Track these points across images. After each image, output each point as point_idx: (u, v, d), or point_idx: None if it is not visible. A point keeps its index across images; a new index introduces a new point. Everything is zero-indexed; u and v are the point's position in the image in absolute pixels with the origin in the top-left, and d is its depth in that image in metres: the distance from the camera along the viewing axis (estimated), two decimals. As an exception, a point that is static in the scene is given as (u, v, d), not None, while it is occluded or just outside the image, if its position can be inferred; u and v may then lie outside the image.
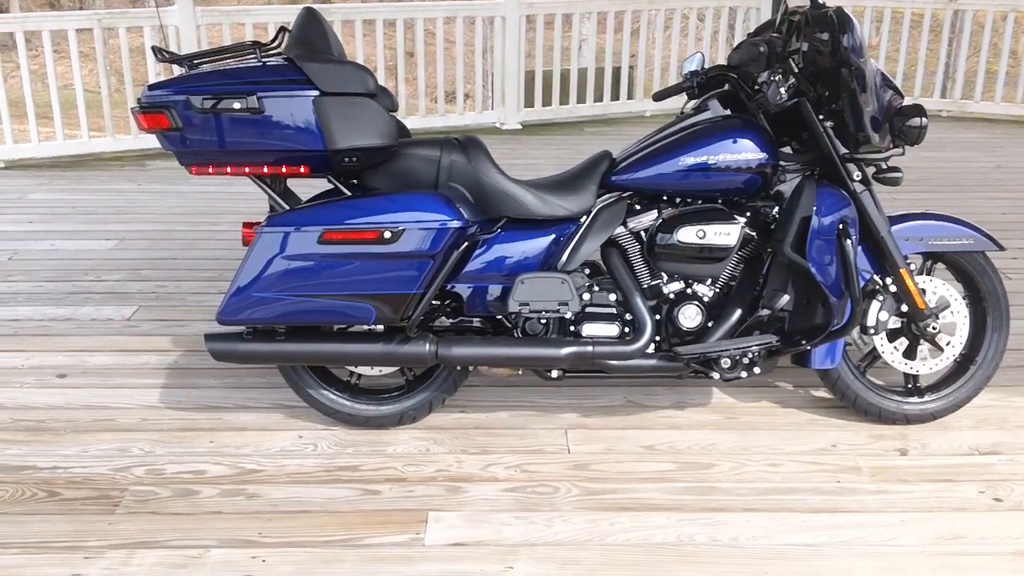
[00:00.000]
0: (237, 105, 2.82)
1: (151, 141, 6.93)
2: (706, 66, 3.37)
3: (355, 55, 7.42)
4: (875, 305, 3.19)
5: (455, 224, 2.91)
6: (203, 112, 2.83)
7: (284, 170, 2.95)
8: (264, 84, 2.86)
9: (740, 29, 8.37)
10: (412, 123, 7.72)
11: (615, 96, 8.43)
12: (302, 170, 2.95)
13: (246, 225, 3.06)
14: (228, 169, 2.95)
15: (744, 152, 3.05)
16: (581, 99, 8.34)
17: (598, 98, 8.40)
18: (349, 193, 3.05)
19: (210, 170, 2.96)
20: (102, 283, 4.64)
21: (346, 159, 2.91)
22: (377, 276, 2.91)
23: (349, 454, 3.15)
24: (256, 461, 3.11)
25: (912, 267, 3.22)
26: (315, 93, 2.85)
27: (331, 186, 3.10)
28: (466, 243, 2.99)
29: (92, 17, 6.83)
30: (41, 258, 5.00)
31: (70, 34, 6.84)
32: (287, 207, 3.04)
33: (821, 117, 3.06)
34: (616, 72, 8.39)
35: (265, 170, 2.96)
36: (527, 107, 8.20)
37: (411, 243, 2.89)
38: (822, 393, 3.54)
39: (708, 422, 3.39)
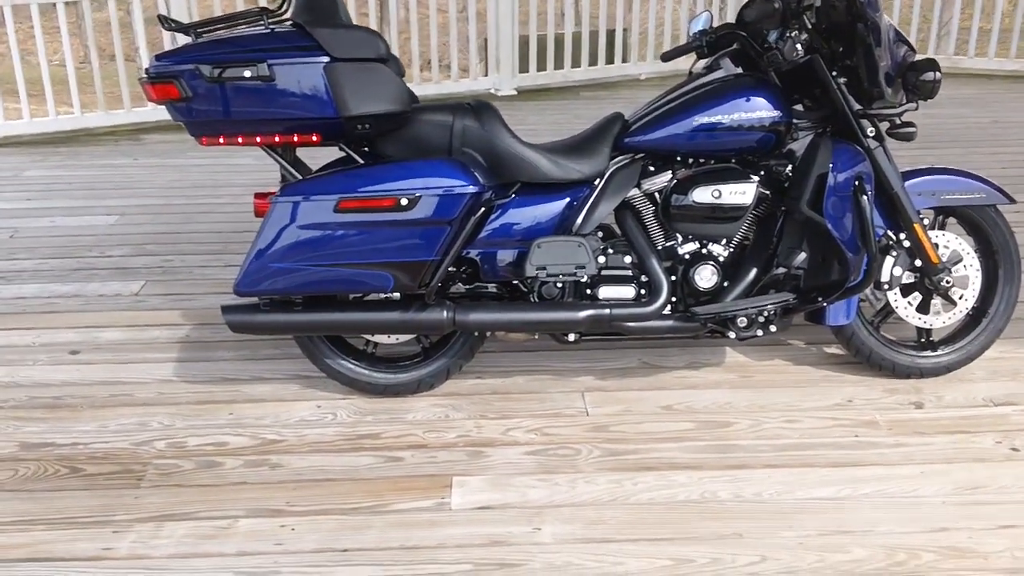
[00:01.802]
0: (247, 73, 2.79)
1: (144, 115, 6.95)
2: (714, 25, 3.35)
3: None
4: (889, 260, 3.20)
5: (471, 189, 2.89)
6: (213, 81, 2.80)
7: (296, 139, 2.93)
8: (274, 51, 2.83)
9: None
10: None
11: (610, 59, 8.40)
12: (314, 138, 2.93)
13: (258, 196, 3.04)
14: (239, 139, 2.93)
15: (757, 110, 3.04)
16: (576, 63, 8.31)
17: (593, 62, 8.36)
18: (362, 161, 3.03)
19: (220, 140, 2.94)
20: (107, 259, 4.62)
21: (359, 126, 2.89)
22: (394, 244, 2.90)
23: (369, 422, 3.16)
24: (277, 431, 3.11)
25: (925, 222, 3.22)
26: (326, 59, 2.82)
27: (342, 155, 3.07)
28: (482, 208, 2.98)
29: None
30: (43, 235, 4.97)
31: (59, 7, 6.75)
32: (299, 176, 3.02)
33: (834, 73, 3.04)
34: (610, 35, 8.35)
35: (276, 139, 2.93)
36: (522, 72, 8.16)
37: (427, 209, 2.88)
38: (835, 349, 3.56)
39: (724, 381, 3.40)
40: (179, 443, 3.05)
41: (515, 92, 8.04)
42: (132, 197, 5.53)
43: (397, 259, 2.91)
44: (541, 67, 8.24)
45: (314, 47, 2.83)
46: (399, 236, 2.90)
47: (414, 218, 2.88)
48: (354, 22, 3.23)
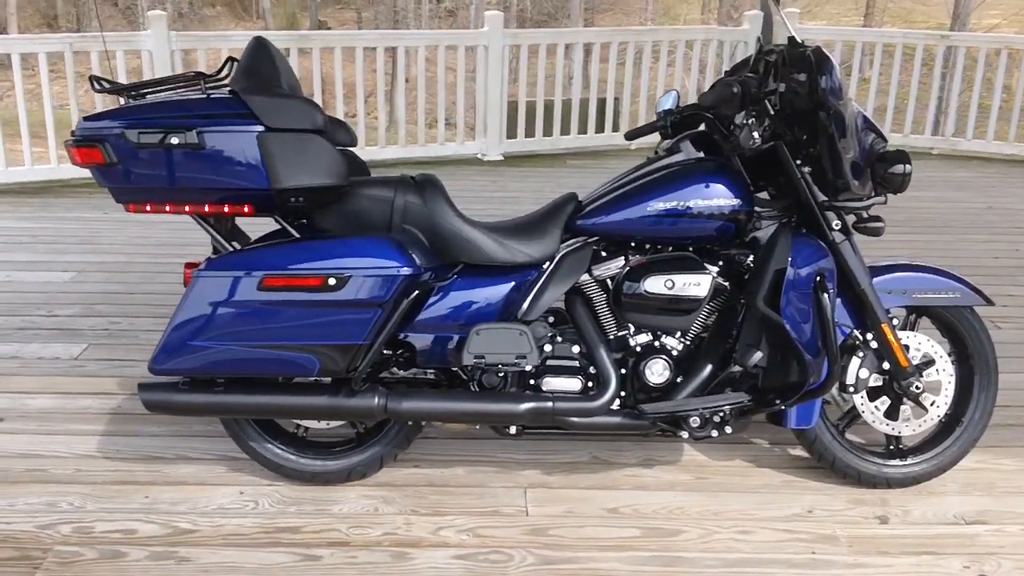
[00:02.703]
0: (175, 140, 2.64)
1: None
2: (681, 104, 3.20)
3: (335, 82, 7.27)
4: (855, 362, 3.01)
5: (405, 271, 2.72)
6: (139, 147, 2.64)
7: (226, 209, 2.77)
8: (205, 118, 2.68)
9: (727, 62, 8.24)
10: (392, 153, 7.61)
11: (600, 128, 8.28)
12: (245, 210, 2.77)
13: (188, 266, 2.87)
14: (167, 207, 2.77)
15: (716, 198, 2.88)
16: (565, 131, 8.19)
17: (582, 130, 8.25)
18: (296, 234, 2.86)
19: (148, 208, 2.78)
20: (53, 318, 4.45)
21: (292, 199, 2.73)
22: (321, 325, 2.72)
23: (292, 513, 2.95)
24: (192, 520, 2.90)
25: (895, 322, 3.04)
26: (259, 128, 2.67)
27: (279, 226, 2.91)
28: (418, 291, 2.80)
29: (63, 41, 6.66)
30: (-5, 290, 4.80)
31: (40, 57, 6.66)
32: (231, 248, 2.85)
33: (799, 162, 2.88)
34: (601, 104, 8.24)
35: (206, 208, 2.77)
36: (509, 138, 8.05)
37: (358, 290, 2.70)
38: (799, 452, 3.34)
39: (677, 482, 3.19)
40: (86, 528, 2.85)
41: (501, 157, 7.92)
42: (93, 253, 5.37)
43: (323, 341, 2.73)
44: (529, 133, 8.12)
45: (247, 115, 2.68)
46: (326, 317, 2.72)
47: (342, 299, 2.70)
48: (301, 91, 3.08)
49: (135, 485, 3.08)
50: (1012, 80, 8.32)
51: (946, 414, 3.16)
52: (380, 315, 2.73)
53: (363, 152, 7.61)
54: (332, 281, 2.68)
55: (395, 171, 7.56)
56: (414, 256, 2.76)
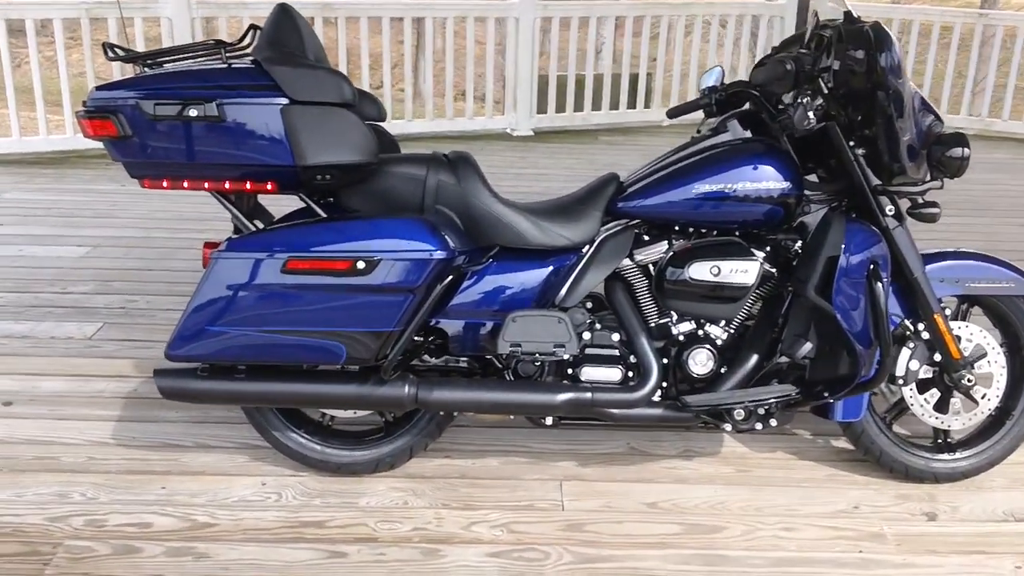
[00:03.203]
0: (194, 112, 2.49)
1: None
2: (725, 81, 3.05)
3: (360, 52, 7.09)
4: (905, 353, 2.87)
5: (439, 255, 2.58)
6: (155, 119, 2.50)
7: (248, 186, 2.63)
8: (226, 89, 2.53)
9: (763, 37, 8.05)
10: (418, 127, 7.44)
11: (631, 104, 8.09)
12: (269, 187, 2.63)
13: (208, 245, 2.73)
14: (184, 183, 2.63)
15: (765, 180, 2.73)
16: (596, 106, 8.00)
17: (614, 106, 8.05)
18: (323, 214, 2.72)
19: (164, 184, 2.63)
20: (67, 295, 4.32)
21: (318, 176, 2.58)
22: (349, 311, 2.58)
23: (316, 506, 2.83)
24: (210, 513, 2.78)
25: (947, 312, 2.89)
26: (284, 101, 2.52)
27: (304, 204, 2.77)
28: (452, 275, 2.66)
29: (80, 6, 6.48)
30: (6, 265, 4.67)
31: (55, 23, 6.50)
32: (253, 227, 2.71)
33: (852, 144, 2.73)
34: (633, 79, 8.05)
35: (227, 186, 2.63)
36: (539, 113, 7.87)
37: (388, 275, 2.56)
38: (844, 443, 3.21)
39: (718, 475, 3.06)
40: (99, 521, 2.73)
41: (531, 133, 7.74)
42: (110, 227, 5.23)
43: (351, 328, 2.59)
44: (560, 108, 7.94)
45: (271, 87, 2.53)
46: (354, 303, 2.58)
47: (372, 284, 2.56)
48: (328, 63, 2.93)
49: (151, 475, 2.96)
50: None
51: (996, 407, 3.02)
52: (412, 301, 2.59)
53: (389, 126, 7.37)
54: (361, 264, 2.54)
55: (422, 146, 7.51)
56: (448, 239, 2.62)
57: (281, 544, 2.65)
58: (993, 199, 6.25)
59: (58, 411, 3.31)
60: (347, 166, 2.58)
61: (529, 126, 7.76)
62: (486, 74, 7.84)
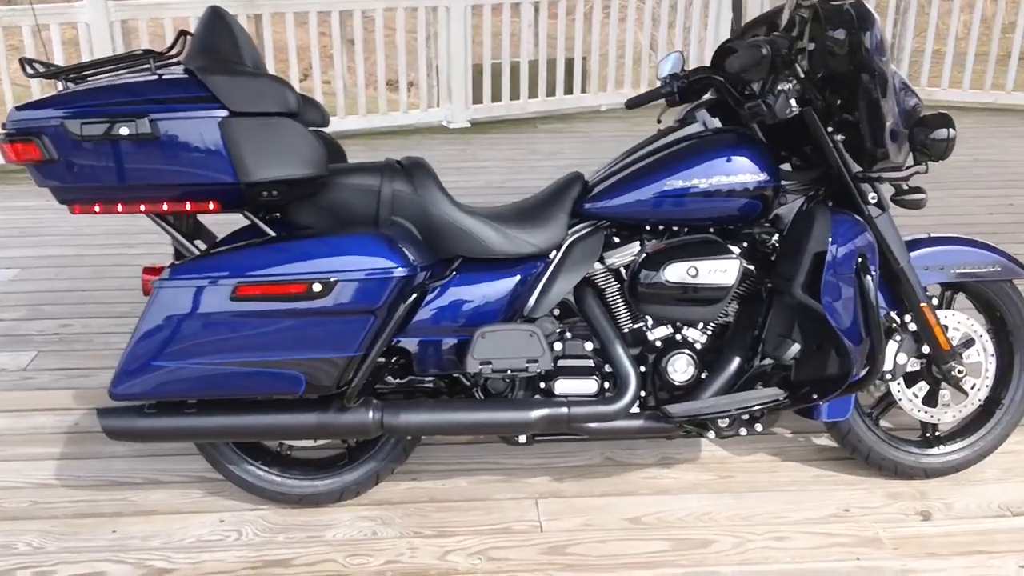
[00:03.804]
0: (124, 130, 2.27)
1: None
2: (686, 68, 2.89)
3: (286, 48, 6.84)
4: (892, 346, 2.73)
5: (400, 271, 2.39)
6: (82, 139, 2.28)
7: (188, 207, 2.42)
8: (159, 103, 2.32)
9: (698, 17, 7.92)
10: (352, 124, 7.21)
11: (568, 90, 7.92)
12: (210, 206, 2.42)
13: (147, 271, 2.52)
14: (119, 207, 2.41)
15: (740, 173, 2.58)
16: (533, 94, 7.82)
17: (551, 92, 7.89)
18: (271, 232, 2.52)
19: (96, 209, 2.42)
20: (-3, 323, 4.06)
21: (264, 193, 2.38)
22: (306, 337, 2.39)
23: (280, 542, 2.64)
24: (166, 556, 2.58)
25: (933, 301, 2.77)
26: (222, 113, 2.32)
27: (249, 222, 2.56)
28: (415, 292, 2.48)
29: (-10, 14, 6.16)
30: (-71, 292, 4.39)
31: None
32: (195, 250, 2.51)
33: (830, 130, 2.59)
34: (569, 64, 7.88)
35: (165, 207, 2.42)
36: (475, 103, 7.67)
37: (346, 297, 2.37)
38: (827, 440, 3.09)
39: (700, 483, 2.92)
40: (47, 572, 2.52)
41: (468, 124, 7.55)
42: (38, 246, 4.95)
43: (309, 355, 2.40)
44: (496, 98, 7.75)
45: (208, 98, 2.32)
46: (312, 328, 2.39)
47: (329, 307, 2.37)
48: (265, 68, 2.72)
49: (100, 517, 2.75)
50: (985, 27, 8.03)
51: (986, 397, 2.91)
52: (374, 322, 2.40)
53: (321, 125, 7.22)
54: (317, 287, 2.35)
55: (357, 144, 7.25)
56: (408, 253, 2.44)
57: (244, 590, 2.46)
58: (941, 170, 6.08)
59: (-6, 452, 3.08)
60: (295, 181, 2.38)
61: (465, 117, 7.57)
62: (418, 66, 7.62)
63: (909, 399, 2.86)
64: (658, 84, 2.91)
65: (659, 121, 2.87)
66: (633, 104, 3.00)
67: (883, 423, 2.97)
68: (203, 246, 2.56)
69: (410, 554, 2.59)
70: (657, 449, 3.07)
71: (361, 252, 2.39)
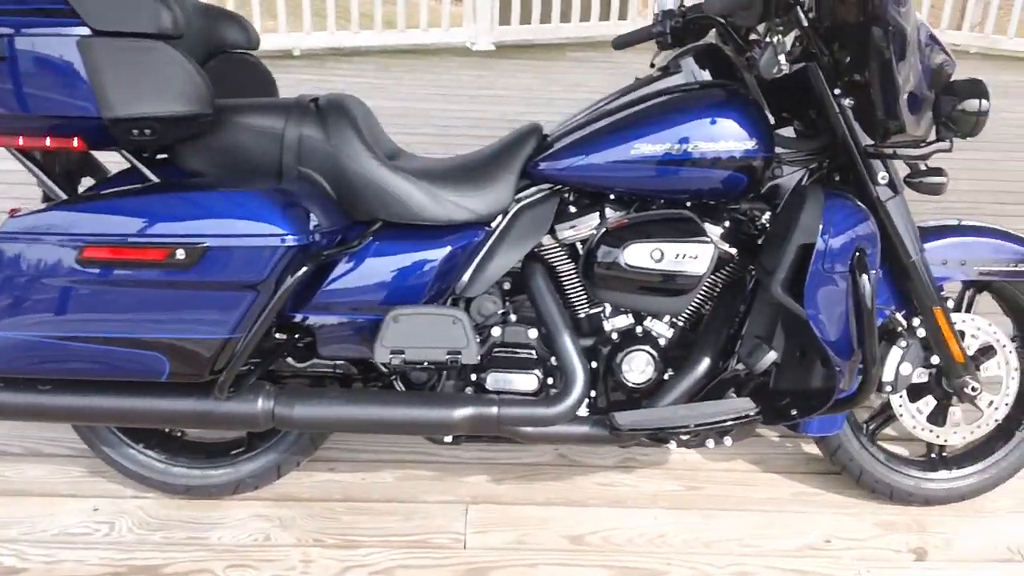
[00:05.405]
0: (-33, 50, 1.85)
1: None
2: (686, 3, 2.40)
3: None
4: (895, 353, 2.27)
5: (291, 239, 1.96)
6: (-84, 61, 1.86)
7: (48, 143, 1.99)
8: (8, 15, 1.88)
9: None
10: (365, 39, 6.79)
11: (604, 15, 7.39)
12: (74, 143, 1.99)
13: (12, 213, 2.10)
14: (-34, 142, 1.99)
15: (725, 139, 2.11)
16: (566, 18, 7.29)
17: (585, 17, 7.34)
18: (153, 178, 2.09)
19: (-59, 142, 2.00)
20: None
21: (134, 131, 1.95)
22: (169, 314, 1.97)
23: (154, 543, 2.26)
24: (20, 552, 2.21)
25: (949, 303, 2.31)
26: (83, 31, 1.88)
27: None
28: (312, 262, 2.04)
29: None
30: None
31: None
32: (62, 195, 2.09)
33: (837, 92, 2.10)
34: None
35: (20, 142, 2.00)
36: (502, 24, 7.15)
37: (219, 268, 1.94)
38: (815, 448, 2.65)
39: (662, 495, 2.51)
40: None
41: (493, 47, 7.04)
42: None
43: (173, 336, 1.99)
44: (525, 20, 7.21)
45: (67, 12, 1.88)
46: (176, 303, 1.97)
47: (197, 279, 1.94)
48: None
49: (-40, 495, 2.39)
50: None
51: (1005, 416, 2.46)
52: (254, 300, 1.98)
53: (331, 38, 6.74)
54: (180, 254, 1.92)
55: (368, 63, 6.76)
56: (309, 215, 2.00)
57: (95, 604, 2.09)
58: (1000, 129, 5.53)
59: None
60: (169, 119, 1.95)
61: (490, 40, 7.07)
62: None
63: (912, 415, 2.41)
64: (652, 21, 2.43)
65: (652, 65, 2.40)
66: (621, 44, 2.54)
67: (883, 435, 2.53)
68: (72, 192, 2.14)
69: (302, 568, 2.21)
70: (620, 448, 2.65)
71: (242, 214, 1.95)
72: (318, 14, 6.71)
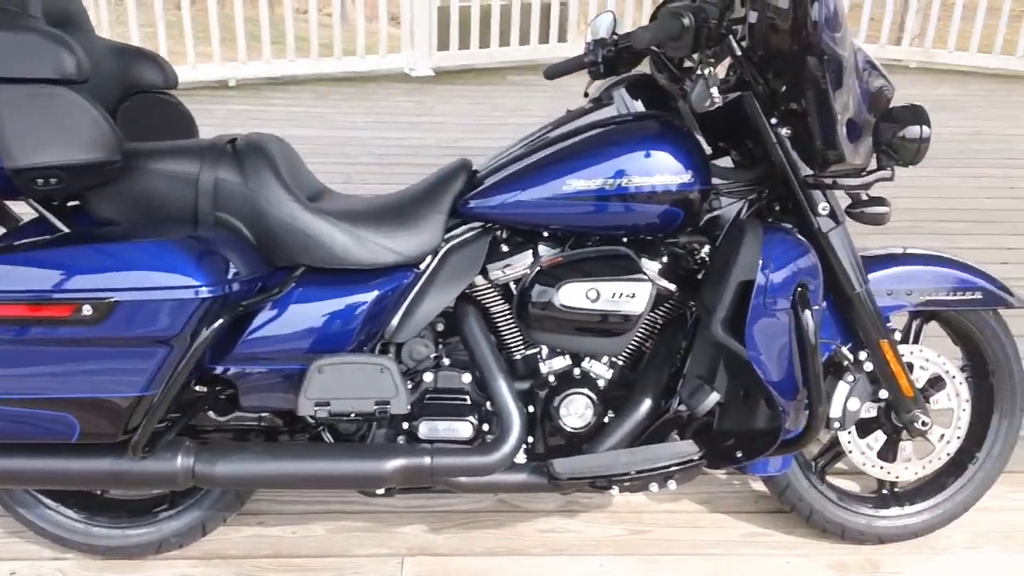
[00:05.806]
0: None
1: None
2: (619, 31, 2.33)
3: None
4: (842, 388, 2.21)
5: (206, 291, 1.86)
6: None
7: (-51, 194, 1.89)
8: None
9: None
10: (303, 68, 6.69)
11: (544, 39, 7.33)
12: (-23, 194, 1.89)
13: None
14: None
15: (660, 172, 2.04)
16: (504, 41, 7.23)
17: (524, 40, 7.29)
18: (63, 228, 1.99)
19: None
20: None
21: (39, 181, 1.85)
22: (78, 373, 1.87)
23: (71, 612, 2.14)
24: (-75, 627, 2.09)
25: (896, 335, 2.25)
26: (-23, 78, 1.78)
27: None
28: (232, 312, 1.94)
29: None
30: None
31: None
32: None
33: (774, 122, 2.04)
34: (545, 9, 7.28)
35: (-80, 192, 1.89)
36: (441, 49, 7.08)
37: (130, 322, 1.84)
38: (764, 486, 2.58)
39: (606, 540, 2.42)
40: None
41: (432, 73, 6.97)
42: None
43: (81, 395, 1.88)
44: (464, 44, 7.15)
45: (-41, 58, 1.78)
46: (84, 362, 1.86)
47: (106, 336, 1.84)
48: (86, 17, 2.20)
49: None
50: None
51: (957, 449, 2.40)
52: (168, 354, 1.88)
53: (267, 68, 6.63)
54: (87, 310, 1.82)
55: (306, 92, 6.65)
56: (226, 264, 1.91)
57: None
58: (938, 145, 5.55)
59: None
60: (74, 167, 1.84)
61: (429, 65, 7.00)
62: (379, 5, 7.03)
63: (862, 451, 2.35)
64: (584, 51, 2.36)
65: (586, 95, 2.32)
66: (552, 74, 2.46)
67: (833, 470, 2.47)
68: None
69: (229, 633, 2.10)
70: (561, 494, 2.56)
71: (153, 265, 1.85)
72: (254, 36, 6.60)
